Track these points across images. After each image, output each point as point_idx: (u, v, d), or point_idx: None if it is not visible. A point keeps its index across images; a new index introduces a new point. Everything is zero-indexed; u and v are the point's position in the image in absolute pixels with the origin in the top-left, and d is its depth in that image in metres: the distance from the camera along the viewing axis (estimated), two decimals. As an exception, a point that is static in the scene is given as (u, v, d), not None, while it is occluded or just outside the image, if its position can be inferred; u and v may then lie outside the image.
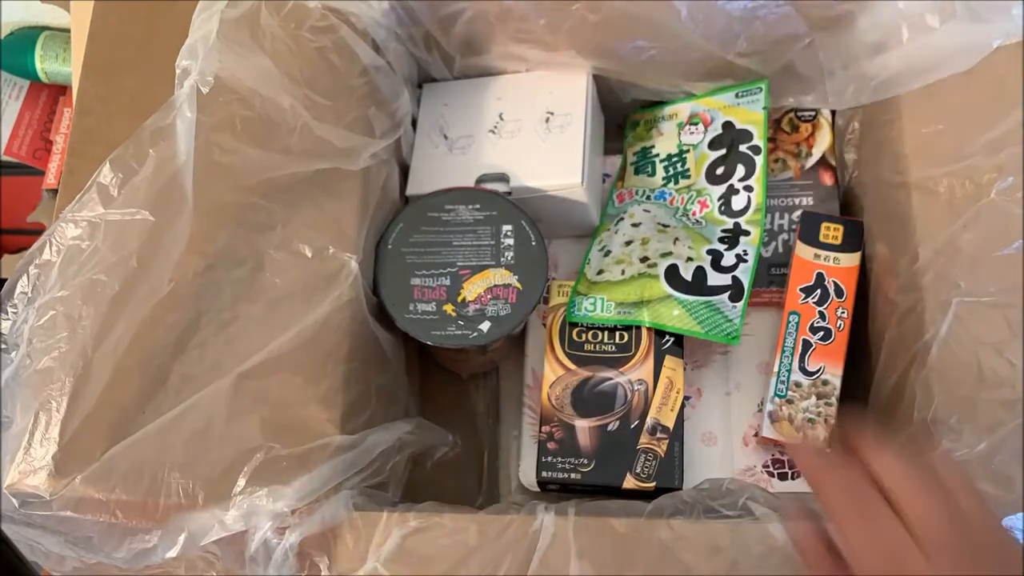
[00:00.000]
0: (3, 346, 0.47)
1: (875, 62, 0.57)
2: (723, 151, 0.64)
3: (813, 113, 0.66)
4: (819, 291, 0.59)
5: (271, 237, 0.52)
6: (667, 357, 0.59)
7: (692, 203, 0.64)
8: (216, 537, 0.45)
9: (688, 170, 0.66)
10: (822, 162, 0.66)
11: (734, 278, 0.59)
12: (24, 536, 0.46)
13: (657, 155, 0.68)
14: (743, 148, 0.64)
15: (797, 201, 0.65)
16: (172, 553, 0.46)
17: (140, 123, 0.49)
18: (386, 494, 0.53)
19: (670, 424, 0.58)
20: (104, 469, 0.45)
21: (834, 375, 0.57)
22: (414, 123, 0.66)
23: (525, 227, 0.58)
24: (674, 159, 0.67)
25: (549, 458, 0.58)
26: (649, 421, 0.58)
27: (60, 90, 0.86)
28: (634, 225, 0.64)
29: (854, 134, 0.64)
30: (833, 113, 0.66)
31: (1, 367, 0.46)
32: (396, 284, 0.57)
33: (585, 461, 0.58)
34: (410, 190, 0.64)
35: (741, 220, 0.62)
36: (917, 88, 0.55)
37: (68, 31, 0.82)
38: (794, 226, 0.64)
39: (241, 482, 0.46)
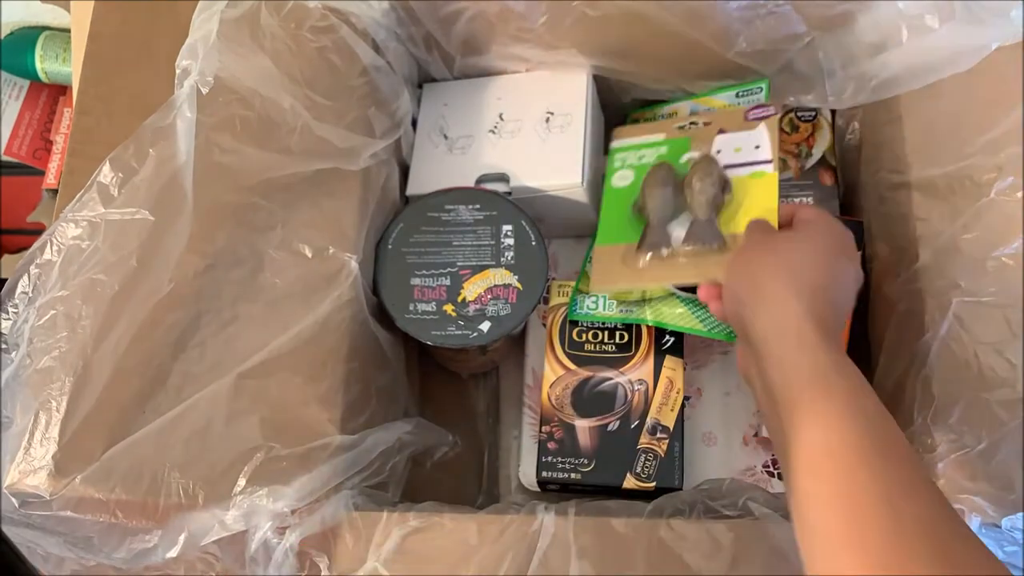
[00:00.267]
0: (3, 346, 0.47)
1: (875, 62, 0.57)
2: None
3: (813, 113, 0.66)
4: (819, 291, 0.59)
5: (271, 237, 0.52)
6: (667, 357, 0.59)
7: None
8: (216, 537, 0.45)
9: (688, 170, 0.66)
10: (822, 162, 0.66)
11: (734, 278, 0.59)
12: (23, 538, 0.46)
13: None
14: (743, 148, 0.64)
15: (797, 201, 0.65)
16: (172, 553, 0.46)
17: (140, 123, 0.49)
18: (386, 494, 0.53)
19: (670, 424, 0.58)
20: (104, 469, 0.45)
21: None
22: (414, 123, 0.66)
23: (525, 227, 0.58)
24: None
25: (549, 458, 0.58)
26: (649, 421, 0.58)
27: (60, 90, 0.86)
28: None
29: (854, 134, 0.64)
30: (833, 113, 0.66)
31: (1, 367, 0.46)
32: (396, 284, 0.57)
33: (585, 461, 0.58)
34: (410, 190, 0.64)
35: (741, 220, 0.62)
36: (917, 88, 0.55)
37: (68, 31, 0.82)
38: (794, 226, 0.64)
39: (241, 482, 0.46)
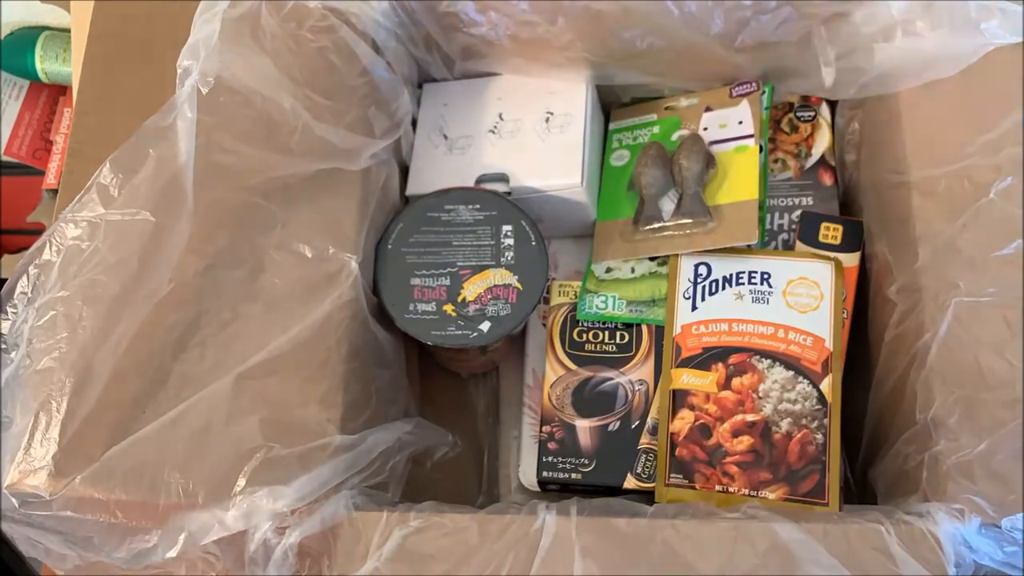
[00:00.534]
0: (3, 346, 0.47)
1: (872, 55, 0.57)
2: (723, 151, 0.65)
3: (813, 113, 0.66)
4: (819, 291, 0.59)
5: (271, 237, 0.52)
6: (667, 357, 0.59)
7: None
8: (216, 537, 0.45)
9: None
10: (822, 162, 0.66)
11: (734, 278, 0.59)
12: (24, 535, 0.46)
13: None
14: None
15: (797, 201, 0.65)
16: (172, 553, 0.46)
17: (140, 123, 0.49)
18: (386, 494, 0.53)
19: (670, 424, 0.58)
20: (104, 469, 0.45)
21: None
22: (414, 123, 0.66)
23: (525, 227, 0.58)
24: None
25: (549, 458, 0.58)
26: (650, 421, 0.58)
27: (60, 90, 0.86)
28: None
29: (854, 134, 0.64)
30: (833, 113, 0.66)
31: (1, 367, 0.46)
32: (396, 284, 0.57)
33: (586, 461, 0.58)
34: (410, 190, 0.64)
35: (741, 220, 0.62)
36: (917, 88, 0.55)
37: (68, 31, 0.82)
38: (794, 226, 0.64)
39: (241, 482, 0.46)
